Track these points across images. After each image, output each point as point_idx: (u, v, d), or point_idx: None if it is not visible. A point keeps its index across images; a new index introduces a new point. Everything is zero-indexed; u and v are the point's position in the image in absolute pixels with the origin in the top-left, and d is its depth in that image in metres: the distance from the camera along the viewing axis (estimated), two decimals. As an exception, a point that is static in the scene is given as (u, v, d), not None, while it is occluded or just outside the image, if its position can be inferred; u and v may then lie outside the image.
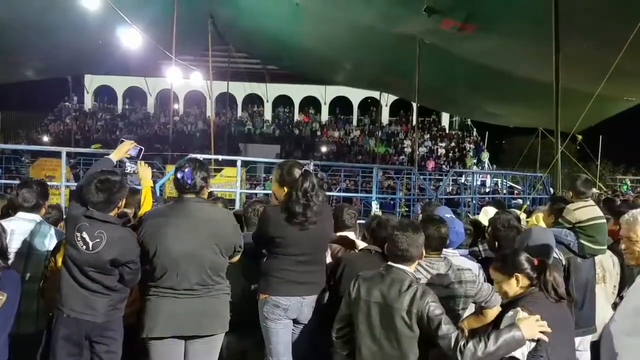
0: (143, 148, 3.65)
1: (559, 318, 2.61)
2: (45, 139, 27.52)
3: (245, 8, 12.31)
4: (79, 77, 29.49)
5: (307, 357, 3.33)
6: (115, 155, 3.43)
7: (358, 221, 4.23)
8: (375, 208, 6.26)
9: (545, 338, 2.46)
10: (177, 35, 11.89)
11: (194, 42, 16.05)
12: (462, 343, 2.38)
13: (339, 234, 3.78)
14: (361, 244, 3.74)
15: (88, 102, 32.28)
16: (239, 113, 32.90)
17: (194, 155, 3.16)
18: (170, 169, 15.19)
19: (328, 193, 5.96)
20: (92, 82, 31.66)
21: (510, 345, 2.41)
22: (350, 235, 3.88)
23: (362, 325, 2.65)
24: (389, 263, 2.68)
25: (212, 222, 3.01)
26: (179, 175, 2.98)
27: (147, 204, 3.65)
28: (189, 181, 2.98)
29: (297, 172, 3.24)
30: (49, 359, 2.98)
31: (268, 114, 32.97)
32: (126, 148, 3.49)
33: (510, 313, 2.56)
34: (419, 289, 2.52)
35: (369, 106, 32.67)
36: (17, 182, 6.34)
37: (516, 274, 2.66)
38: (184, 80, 20.49)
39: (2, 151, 14.41)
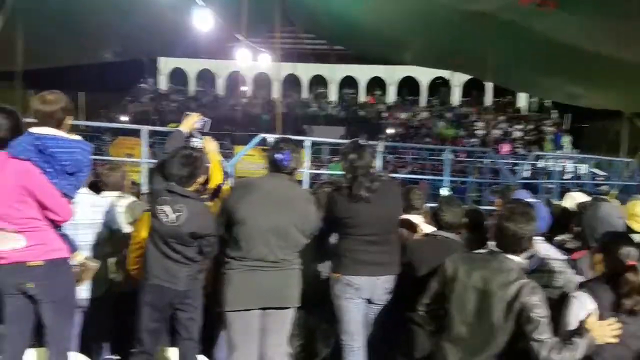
0: (210, 120, 3.76)
1: None
2: (124, 118, 28.86)
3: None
4: (154, 60, 30.66)
5: (380, 338, 3.35)
6: (184, 127, 3.55)
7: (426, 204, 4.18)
8: (444, 192, 6.11)
9: (615, 340, 2.36)
10: (247, 17, 12.03)
11: (262, 24, 16.17)
12: (554, 354, 2.30)
13: (404, 216, 3.76)
14: (427, 228, 3.69)
15: (163, 84, 33.49)
16: (305, 94, 33.07)
17: (291, 140, 3.20)
18: (238, 149, 15.57)
19: (394, 175, 5.88)
20: (166, 64, 32.81)
21: (586, 351, 2.34)
22: (416, 218, 3.84)
23: (455, 307, 2.59)
24: (494, 249, 2.58)
25: (299, 201, 3.09)
26: (277, 157, 3.04)
27: (216, 176, 3.76)
28: (286, 163, 3.05)
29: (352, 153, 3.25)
30: (135, 322, 3.19)
31: (333, 96, 32.92)
32: (193, 120, 3.59)
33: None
34: (528, 285, 2.41)
35: (438, 87, 31.76)
36: (99, 158, 6.80)
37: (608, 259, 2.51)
38: (252, 62, 20.77)
39: (85, 129, 15.25)
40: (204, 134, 3.73)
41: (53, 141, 2.56)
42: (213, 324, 3.44)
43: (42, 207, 2.58)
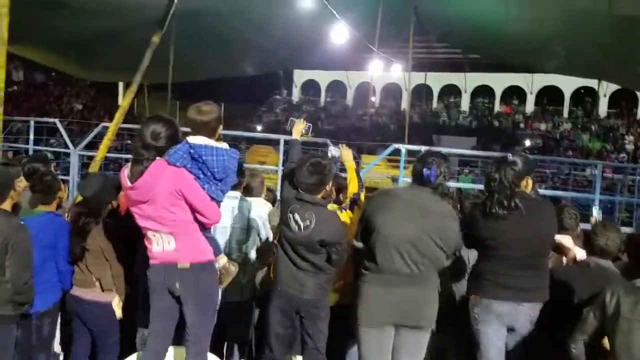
0: (311, 125, 3.84)
1: None
2: (259, 128, 30.53)
3: (451, -2, 11.99)
4: (289, 73, 32.16)
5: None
6: (296, 135, 3.67)
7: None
8: (596, 213, 5.53)
9: None
10: (381, 28, 12.11)
11: (395, 34, 16.16)
12: None
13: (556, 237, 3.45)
14: (579, 252, 3.36)
15: (295, 95, 34.93)
16: (435, 104, 32.36)
17: (440, 153, 3.10)
18: (365, 159, 15.68)
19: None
20: (300, 76, 34.21)
21: None
22: (567, 240, 3.50)
23: (619, 346, 2.34)
24: None
25: (441, 216, 2.93)
26: (424, 172, 2.95)
27: (353, 184, 3.77)
28: (433, 179, 2.95)
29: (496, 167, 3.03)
30: (265, 326, 3.26)
31: (465, 105, 31.80)
32: (301, 126, 3.70)
33: None
34: None
35: (583, 97, 29.19)
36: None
37: None
38: (382, 72, 20.84)
39: (223, 137, 16.43)
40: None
41: (205, 149, 2.72)
42: (342, 334, 3.43)
43: (193, 210, 2.75)
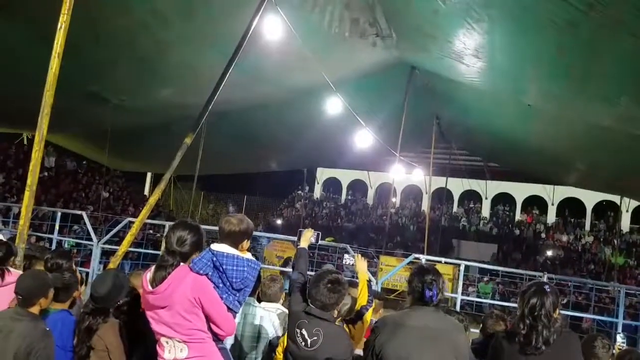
0: (320, 233, 3.93)
1: None
2: (279, 222, 30.74)
3: (472, 108, 12.43)
4: (312, 170, 32.95)
5: None
6: (304, 243, 3.67)
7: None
8: (620, 340, 5.27)
9: None
10: (403, 135, 12.54)
11: (417, 140, 16.67)
12: None
13: None
14: None
15: (317, 192, 35.48)
16: (455, 208, 32.40)
17: (434, 267, 3.11)
18: (384, 259, 15.58)
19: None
20: (322, 174, 34.95)
21: None
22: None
23: None
24: None
25: (448, 332, 2.86)
26: (427, 294, 2.93)
27: (363, 297, 3.72)
28: (435, 299, 2.93)
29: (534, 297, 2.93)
30: None
31: (486, 212, 31.75)
32: (309, 235, 3.74)
33: None
34: None
35: (606, 210, 29.02)
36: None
37: None
38: (404, 175, 21.21)
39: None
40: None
41: (227, 259, 2.78)
42: None
43: (210, 320, 2.76)
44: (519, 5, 6.15)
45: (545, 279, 6.28)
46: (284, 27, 6.33)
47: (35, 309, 3.09)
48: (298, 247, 3.65)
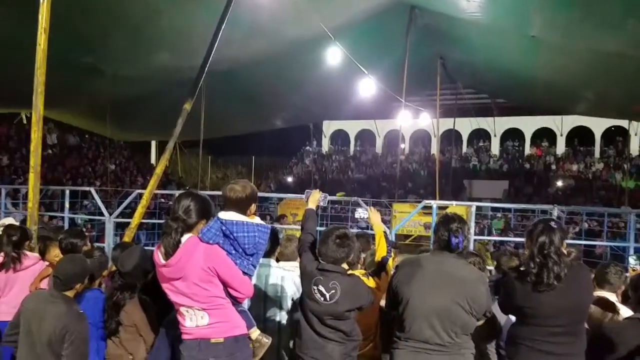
0: (327, 195, 3.82)
1: None
2: (290, 179, 30.82)
3: (476, 45, 12.10)
4: (318, 124, 32.70)
5: None
6: (312, 204, 3.60)
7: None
8: (634, 263, 5.28)
9: None
10: (407, 80, 12.29)
11: (422, 83, 16.38)
12: None
13: (597, 293, 3.40)
14: (623, 310, 3.24)
15: (325, 146, 35.39)
16: (464, 149, 32.23)
17: (459, 215, 3.09)
18: (397, 207, 15.60)
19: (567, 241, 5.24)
20: (329, 127, 34.72)
21: None
22: (611, 296, 3.40)
23: None
24: None
25: (467, 281, 2.89)
26: (452, 241, 2.93)
27: (381, 249, 3.72)
28: (461, 246, 2.93)
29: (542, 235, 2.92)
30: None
31: (495, 149, 31.59)
32: (318, 196, 3.65)
33: None
34: None
35: (615, 136, 28.74)
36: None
37: None
38: (411, 120, 20.99)
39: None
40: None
41: (237, 226, 2.74)
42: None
43: (227, 286, 2.75)
44: None
45: (555, 212, 6.24)
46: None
47: (70, 293, 3.14)
48: (306, 208, 3.59)
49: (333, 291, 3.01)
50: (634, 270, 5.22)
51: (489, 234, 14.75)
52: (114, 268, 3.69)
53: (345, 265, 3.22)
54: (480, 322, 2.98)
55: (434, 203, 6.57)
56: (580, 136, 29.63)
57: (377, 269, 3.74)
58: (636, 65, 9.69)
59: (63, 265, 3.17)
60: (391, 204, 16.01)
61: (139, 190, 6.65)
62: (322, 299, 3.03)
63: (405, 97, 13.05)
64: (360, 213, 4.07)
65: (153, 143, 27.27)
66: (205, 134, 13.23)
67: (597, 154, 29.06)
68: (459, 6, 9.31)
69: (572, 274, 2.88)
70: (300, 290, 3.72)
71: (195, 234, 2.75)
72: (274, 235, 3.81)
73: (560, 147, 29.99)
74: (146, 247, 3.86)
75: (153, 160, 26.79)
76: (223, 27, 5.75)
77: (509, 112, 29.36)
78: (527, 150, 30.81)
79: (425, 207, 6.80)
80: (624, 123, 24.89)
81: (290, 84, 12.49)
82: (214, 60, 5.86)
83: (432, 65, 14.51)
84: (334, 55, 10.09)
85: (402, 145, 30.99)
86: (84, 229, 7.80)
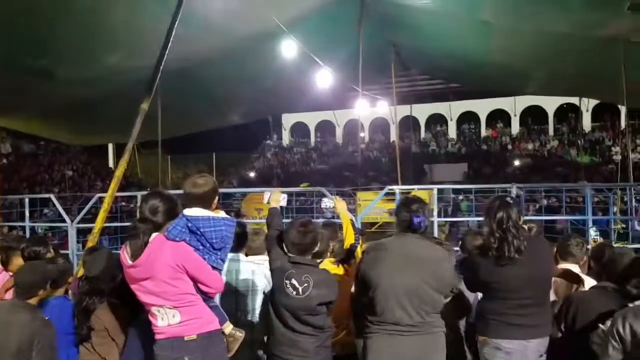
0: (287, 195, 3.90)
1: None
2: (252, 174, 30.62)
3: (428, 32, 12.28)
4: (277, 117, 32.57)
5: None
6: (275, 204, 3.65)
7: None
8: (594, 235, 5.55)
9: None
10: (363, 69, 12.37)
11: (378, 72, 16.50)
12: None
13: (561, 265, 3.54)
14: (588, 280, 3.41)
15: (285, 139, 35.30)
16: (423, 135, 32.77)
17: (418, 197, 3.16)
18: (361, 195, 15.74)
19: (526, 218, 5.42)
20: (288, 119, 34.64)
21: None
22: (574, 267, 3.56)
23: None
24: None
25: (432, 260, 2.97)
26: (414, 220, 3.00)
27: (349, 236, 3.79)
28: (423, 225, 3.01)
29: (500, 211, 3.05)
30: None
31: (452, 133, 32.24)
32: (279, 196, 3.71)
33: None
34: None
35: (567, 113, 29.79)
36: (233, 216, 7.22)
37: None
38: (369, 109, 21.17)
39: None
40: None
41: (203, 222, 2.75)
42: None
43: (196, 282, 2.76)
44: None
45: (514, 191, 6.48)
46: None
47: (33, 300, 3.08)
48: (270, 207, 3.62)
49: (305, 284, 3.03)
50: (594, 241, 5.45)
51: (453, 215, 15.08)
52: (80, 273, 3.64)
53: (313, 256, 3.24)
54: (448, 300, 3.08)
55: (397, 188, 6.69)
56: (534, 115, 30.57)
57: (347, 256, 3.81)
58: (584, 44, 10.06)
59: (22, 274, 3.13)
60: (355, 192, 16.14)
61: (100, 194, 6.54)
62: (294, 292, 3.04)
63: (362, 86, 13.15)
64: (326, 203, 4.17)
65: (110, 146, 26.62)
66: (164, 133, 12.98)
67: (551, 131, 30.02)
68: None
69: (532, 247, 3.02)
70: (271, 284, 3.76)
71: (161, 233, 2.75)
72: (241, 229, 3.82)
73: (515, 128, 30.85)
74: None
75: (111, 163, 26.18)
76: (176, 25, 5.67)
77: (464, 96, 29.98)
78: (483, 132, 31.55)
79: (388, 194, 6.91)
80: (575, 100, 25.85)
81: (246, 78, 12.40)
82: (168, 58, 5.78)
83: (387, 54, 14.66)
84: (288, 48, 10.08)
85: (362, 134, 31.27)
86: (46, 237, 7.61)
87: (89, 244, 4.81)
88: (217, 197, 2.93)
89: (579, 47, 10.35)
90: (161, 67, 5.71)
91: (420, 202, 3.07)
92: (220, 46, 10.21)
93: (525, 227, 3.24)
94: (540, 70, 13.46)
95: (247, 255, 3.98)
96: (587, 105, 27.77)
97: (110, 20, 8.21)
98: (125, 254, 2.75)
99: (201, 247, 2.77)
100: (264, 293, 3.74)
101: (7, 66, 7.10)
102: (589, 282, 3.39)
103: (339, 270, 3.70)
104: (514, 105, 30.00)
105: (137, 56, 9.21)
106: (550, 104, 29.32)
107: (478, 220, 9.31)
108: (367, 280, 2.98)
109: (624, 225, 10.67)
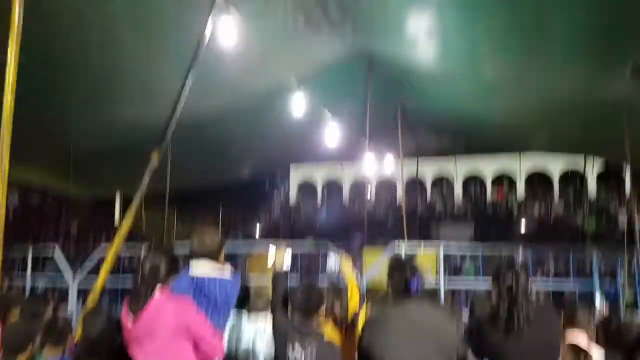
0: (290, 250, 3.76)
1: None
2: (258, 230, 30.51)
3: (434, 94, 12.53)
4: (285, 174, 32.94)
5: None
6: (279, 264, 3.56)
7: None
8: (599, 302, 5.39)
9: None
10: (370, 127, 12.56)
11: (385, 130, 16.74)
12: None
13: (569, 332, 3.47)
14: (595, 353, 3.30)
15: (292, 196, 35.59)
16: (429, 194, 33.00)
17: (408, 256, 3.11)
18: (366, 255, 15.55)
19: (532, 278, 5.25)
20: (296, 175, 35.14)
21: None
22: (582, 338, 3.46)
23: None
24: None
25: (436, 327, 2.87)
26: (412, 285, 2.93)
27: (354, 301, 3.71)
28: (419, 288, 2.93)
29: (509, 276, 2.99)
30: None
31: (458, 190, 32.60)
32: (283, 255, 3.59)
33: None
34: None
35: (572, 179, 30.05)
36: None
37: None
38: (376, 167, 21.32)
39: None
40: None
41: (209, 282, 2.72)
42: None
43: (198, 344, 2.67)
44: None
45: (520, 254, 6.40)
46: (238, 30, 6.21)
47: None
48: (275, 270, 3.53)
49: (309, 350, 2.98)
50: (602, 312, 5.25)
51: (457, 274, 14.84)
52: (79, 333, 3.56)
53: (319, 318, 3.22)
54: None
55: (403, 245, 6.61)
56: (539, 181, 30.81)
57: (350, 323, 3.73)
58: (586, 102, 10.22)
59: (7, 333, 3.11)
60: (360, 252, 15.96)
61: (104, 244, 6.45)
62: (298, 357, 2.98)
63: (370, 143, 13.30)
64: (331, 261, 4.07)
65: (117, 203, 26.62)
66: (171, 187, 13.03)
67: (556, 198, 30.18)
68: (415, 57, 9.70)
69: (541, 315, 2.92)
70: (273, 348, 3.65)
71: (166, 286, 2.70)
72: (244, 291, 3.76)
73: (520, 189, 31.07)
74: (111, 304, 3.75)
75: (117, 217, 26.12)
76: (189, 83, 5.79)
77: (470, 155, 30.34)
78: (489, 194, 31.79)
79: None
80: (579, 166, 26.07)
81: (257, 132, 12.59)
82: (181, 113, 5.87)
83: (393, 115, 14.91)
84: (299, 103, 10.30)
85: (369, 195, 31.54)
86: (47, 295, 7.46)
87: (89, 304, 4.73)
88: (223, 251, 2.91)
89: (580, 105, 10.53)
90: (173, 123, 5.78)
91: (411, 262, 3.01)
92: (232, 101, 10.44)
93: (534, 293, 3.15)
94: (544, 129, 13.66)
95: (250, 312, 3.90)
96: (593, 170, 27.90)
97: (125, 79, 8.44)
98: (125, 316, 2.69)
99: (204, 307, 2.72)
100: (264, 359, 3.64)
101: (24, 118, 7.19)
102: (596, 353, 3.28)
103: (341, 335, 3.62)
104: (519, 166, 30.24)
105: (150, 111, 9.40)
106: (555, 166, 29.70)
107: (484, 280, 9.14)
108: (371, 357, 2.88)
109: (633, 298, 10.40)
